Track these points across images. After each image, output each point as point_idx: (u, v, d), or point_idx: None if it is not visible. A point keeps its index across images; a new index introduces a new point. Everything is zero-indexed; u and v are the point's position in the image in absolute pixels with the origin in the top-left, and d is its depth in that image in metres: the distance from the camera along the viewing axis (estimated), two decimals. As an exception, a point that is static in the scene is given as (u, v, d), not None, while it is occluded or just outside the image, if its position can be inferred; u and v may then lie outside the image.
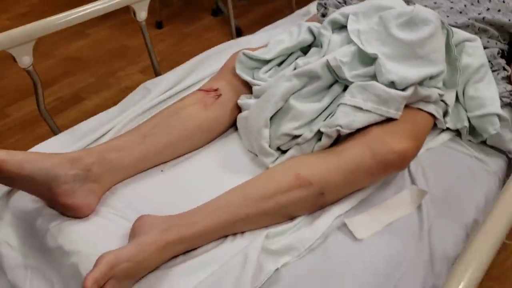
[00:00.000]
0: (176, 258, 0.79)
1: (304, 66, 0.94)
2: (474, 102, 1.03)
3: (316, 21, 1.19)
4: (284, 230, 0.83)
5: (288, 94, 0.93)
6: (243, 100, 1.03)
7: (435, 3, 1.16)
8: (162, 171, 0.96)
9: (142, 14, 1.28)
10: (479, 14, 1.13)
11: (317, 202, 0.86)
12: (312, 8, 1.60)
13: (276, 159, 0.95)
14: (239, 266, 0.75)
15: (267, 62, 1.06)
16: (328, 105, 0.94)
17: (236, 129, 1.06)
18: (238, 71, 1.04)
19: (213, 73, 1.16)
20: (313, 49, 1.04)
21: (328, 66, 0.93)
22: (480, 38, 1.08)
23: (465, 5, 1.15)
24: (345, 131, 0.88)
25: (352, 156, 0.85)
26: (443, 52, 0.96)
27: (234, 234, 0.84)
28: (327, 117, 0.93)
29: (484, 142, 1.05)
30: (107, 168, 0.88)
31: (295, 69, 0.98)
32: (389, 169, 0.85)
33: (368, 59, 0.96)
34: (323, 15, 1.22)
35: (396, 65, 0.92)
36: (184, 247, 0.79)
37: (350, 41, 0.99)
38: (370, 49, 0.94)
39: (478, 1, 1.16)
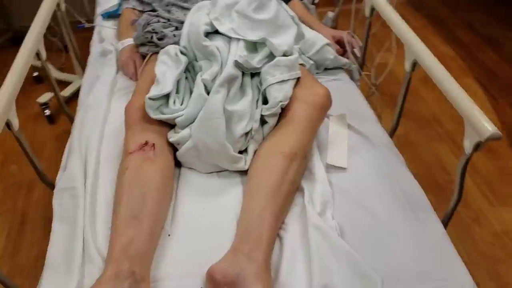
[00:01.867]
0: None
1: (222, 75, 1.03)
2: (307, 44, 1.34)
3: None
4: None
5: (224, 103, 1.02)
6: (175, 136, 1.05)
7: None
8: (169, 235, 0.93)
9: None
10: None
11: (306, 165, 1.02)
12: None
13: (245, 161, 1.04)
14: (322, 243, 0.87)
15: (167, 95, 1.09)
16: (253, 94, 1.08)
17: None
18: (153, 116, 1.04)
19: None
20: (203, 62, 1.12)
21: (237, 65, 1.05)
22: None
23: None
24: (285, 102, 1.04)
25: (302, 116, 1.04)
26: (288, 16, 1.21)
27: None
28: (256, 102, 1.07)
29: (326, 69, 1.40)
30: (139, 261, 0.82)
31: (205, 86, 1.06)
32: (326, 109, 1.08)
33: (254, 46, 1.12)
34: (160, 39, 1.29)
35: (276, 39, 1.12)
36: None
37: (230, 40, 1.13)
38: (253, 37, 1.11)
39: None
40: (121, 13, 1.57)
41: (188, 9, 1.35)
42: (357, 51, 1.44)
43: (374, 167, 1.07)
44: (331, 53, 1.37)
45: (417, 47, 1.14)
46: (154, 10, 1.43)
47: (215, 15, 1.17)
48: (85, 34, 1.85)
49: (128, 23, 1.48)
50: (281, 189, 0.94)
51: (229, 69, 1.04)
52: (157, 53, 1.26)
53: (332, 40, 1.43)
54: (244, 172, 1.05)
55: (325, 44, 1.35)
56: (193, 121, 1.03)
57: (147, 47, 1.32)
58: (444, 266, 0.87)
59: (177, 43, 1.21)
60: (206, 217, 0.97)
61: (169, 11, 1.38)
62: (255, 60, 1.09)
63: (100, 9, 1.81)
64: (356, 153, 1.10)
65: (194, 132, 1.02)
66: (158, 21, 1.32)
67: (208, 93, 1.04)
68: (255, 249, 0.83)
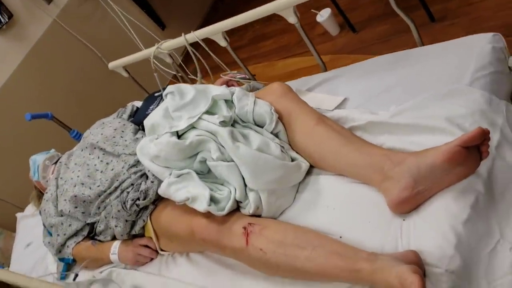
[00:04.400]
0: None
1: (224, 134, 1.20)
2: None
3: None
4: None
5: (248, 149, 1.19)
6: (246, 206, 1.18)
7: None
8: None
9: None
10: None
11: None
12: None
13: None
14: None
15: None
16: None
17: None
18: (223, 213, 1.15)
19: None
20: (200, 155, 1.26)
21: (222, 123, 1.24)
22: None
23: None
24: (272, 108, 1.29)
25: (286, 104, 1.29)
26: None
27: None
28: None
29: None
30: None
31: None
32: (285, 86, 1.35)
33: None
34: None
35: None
36: None
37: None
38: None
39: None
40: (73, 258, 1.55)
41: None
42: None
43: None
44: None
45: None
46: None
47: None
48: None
49: (89, 249, 1.50)
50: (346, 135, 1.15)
51: (223, 130, 1.19)
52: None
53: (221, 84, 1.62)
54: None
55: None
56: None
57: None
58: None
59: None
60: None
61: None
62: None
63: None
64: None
65: (258, 184, 1.16)
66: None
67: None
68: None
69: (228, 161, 1.19)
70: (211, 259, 1.24)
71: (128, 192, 1.35)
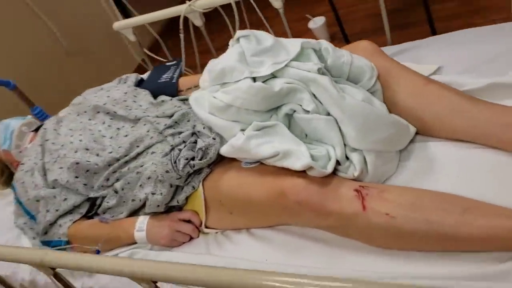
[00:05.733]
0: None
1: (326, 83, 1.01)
2: None
3: None
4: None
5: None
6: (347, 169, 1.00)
7: None
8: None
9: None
10: None
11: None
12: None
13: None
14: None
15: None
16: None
17: None
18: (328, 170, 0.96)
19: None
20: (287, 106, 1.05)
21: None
22: None
23: None
24: None
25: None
26: None
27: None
28: None
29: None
30: None
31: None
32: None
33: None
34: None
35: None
36: None
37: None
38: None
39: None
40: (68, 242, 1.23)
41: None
42: None
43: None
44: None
45: None
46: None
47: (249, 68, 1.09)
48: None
49: (95, 227, 1.22)
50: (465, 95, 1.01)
51: (322, 78, 1.00)
52: None
53: None
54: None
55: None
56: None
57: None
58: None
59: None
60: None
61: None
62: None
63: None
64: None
65: (366, 143, 0.97)
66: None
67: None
68: None
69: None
70: (288, 233, 1.01)
71: (180, 150, 1.10)
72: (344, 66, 1.05)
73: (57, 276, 1.00)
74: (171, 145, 1.13)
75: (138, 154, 1.17)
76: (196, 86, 1.39)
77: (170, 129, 1.17)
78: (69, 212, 1.23)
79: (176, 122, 1.18)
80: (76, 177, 1.21)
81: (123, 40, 1.83)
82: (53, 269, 0.97)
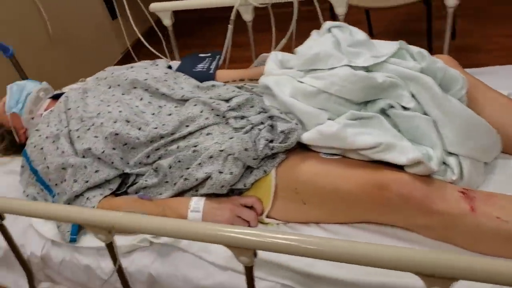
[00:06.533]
0: None
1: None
2: None
3: None
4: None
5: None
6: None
7: None
8: None
9: None
10: None
11: None
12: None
13: None
14: None
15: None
16: None
17: None
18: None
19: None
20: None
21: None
22: None
23: None
24: None
25: None
26: None
27: None
28: None
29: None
30: None
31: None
32: None
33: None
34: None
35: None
36: None
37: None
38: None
39: None
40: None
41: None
42: None
43: None
44: None
45: None
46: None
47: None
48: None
49: (134, 202, 1.09)
50: None
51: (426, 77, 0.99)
52: None
53: None
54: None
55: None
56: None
57: None
58: None
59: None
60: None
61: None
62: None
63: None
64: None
65: (464, 148, 0.95)
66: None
67: None
68: None
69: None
70: (367, 231, 0.96)
71: (259, 130, 1.03)
72: (438, 71, 1.04)
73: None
74: (235, 128, 1.07)
75: (190, 134, 1.09)
76: (242, 80, 1.34)
77: (233, 111, 1.10)
78: (98, 186, 1.11)
79: (238, 106, 1.11)
80: (113, 148, 1.11)
81: (108, 33, 1.70)
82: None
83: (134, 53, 1.96)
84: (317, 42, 1.10)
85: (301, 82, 1.05)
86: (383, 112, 1.00)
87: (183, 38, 1.54)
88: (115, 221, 0.79)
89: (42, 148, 1.17)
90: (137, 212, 0.96)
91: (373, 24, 2.63)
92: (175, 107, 1.18)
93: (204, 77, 1.33)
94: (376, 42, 1.11)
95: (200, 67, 1.42)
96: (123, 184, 1.16)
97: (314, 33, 1.18)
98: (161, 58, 1.63)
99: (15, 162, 1.40)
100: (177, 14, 1.72)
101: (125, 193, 1.15)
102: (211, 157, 1.02)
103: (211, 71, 1.39)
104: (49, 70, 2.34)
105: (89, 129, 1.14)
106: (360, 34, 1.10)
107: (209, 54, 1.50)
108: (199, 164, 1.03)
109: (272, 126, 1.05)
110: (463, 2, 1.51)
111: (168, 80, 1.27)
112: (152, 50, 1.77)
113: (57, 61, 2.44)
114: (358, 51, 1.04)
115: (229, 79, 1.37)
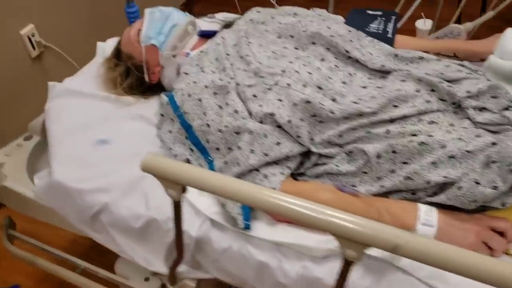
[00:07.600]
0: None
1: None
2: None
3: None
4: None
5: None
6: None
7: None
8: None
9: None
10: None
11: None
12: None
13: None
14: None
15: None
16: None
17: None
18: None
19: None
20: None
21: None
22: None
23: None
24: None
25: None
26: None
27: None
28: None
29: None
30: None
31: None
32: None
33: None
34: None
35: None
36: None
37: None
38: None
39: None
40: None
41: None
42: None
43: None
44: None
45: None
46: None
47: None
48: None
49: (333, 193, 0.84)
50: None
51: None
52: None
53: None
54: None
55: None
56: None
57: None
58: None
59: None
60: None
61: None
62: None
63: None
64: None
65: None
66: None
67: None
68: None
69: None
70: None
71: None
72: None
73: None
74: (477, 122, 0.82)
75: (405, 117, 0.81)
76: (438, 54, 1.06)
77: (472, 100, 0.83)
78: (275, 162, 0.86)
79: (478, 93, 0.84)
80: (301, 119, 0.86)
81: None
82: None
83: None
84: None
85: None
86: None
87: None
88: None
89: (200, 100, 0.92)
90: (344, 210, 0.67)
91: None
92: (368, 78, 0.94)
93: (381, 40, 1.07)
94: None
95: (373, 27, 1.15)
96: (299, 164, 0.91)
97: None
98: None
99: (142, 106, 1.13)
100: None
101: (300, 174, 0.90)
102: (452, 157, 0.75)
103: (388, 35, 1.11)
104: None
105: (270, 88, 0.90)
106: None
107: (380, 13, 1.21)
108: (433, 163, 0.76)
109: None
110: None
111: (353, 40, 1.00)
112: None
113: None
114: None
115: (416, 48, 1.07)
